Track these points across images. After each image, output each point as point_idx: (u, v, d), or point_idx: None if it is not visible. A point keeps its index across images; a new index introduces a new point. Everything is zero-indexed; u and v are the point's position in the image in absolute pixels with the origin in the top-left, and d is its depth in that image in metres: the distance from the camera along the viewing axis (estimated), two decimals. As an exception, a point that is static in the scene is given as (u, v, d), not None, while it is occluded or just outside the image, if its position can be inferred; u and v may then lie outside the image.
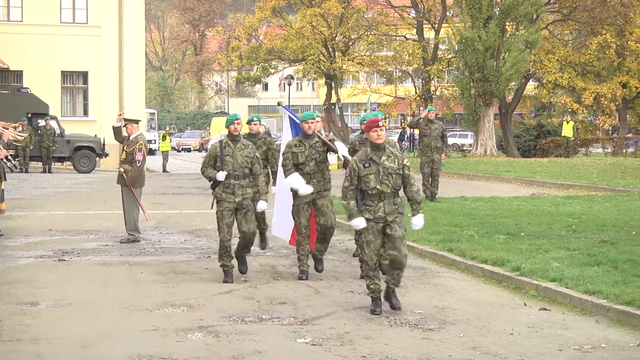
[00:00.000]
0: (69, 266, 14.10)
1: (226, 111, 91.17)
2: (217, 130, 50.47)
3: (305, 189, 12.80)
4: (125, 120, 16.96)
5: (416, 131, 40.54)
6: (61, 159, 40.67)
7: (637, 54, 51.08)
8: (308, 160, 12.91)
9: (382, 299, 10.82)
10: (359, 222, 10.52)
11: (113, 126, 17.11)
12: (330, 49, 54.32)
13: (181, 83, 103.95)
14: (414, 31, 55.90)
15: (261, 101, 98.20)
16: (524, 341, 9.37)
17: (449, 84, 54.84)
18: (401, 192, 10.76)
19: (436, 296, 11.64)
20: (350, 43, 56.16)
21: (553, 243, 14.67)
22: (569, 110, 52.69)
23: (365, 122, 11.57)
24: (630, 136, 53.09)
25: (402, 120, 67.55)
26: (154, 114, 75.80)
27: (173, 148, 62.41)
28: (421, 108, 47.57)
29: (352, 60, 55.59)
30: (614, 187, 27.03)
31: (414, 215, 10.79)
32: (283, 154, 13.13)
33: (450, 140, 54.67)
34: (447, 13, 52.81)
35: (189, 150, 74.63)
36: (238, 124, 12.93)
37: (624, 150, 48.05)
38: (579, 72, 51.76)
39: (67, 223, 19.58)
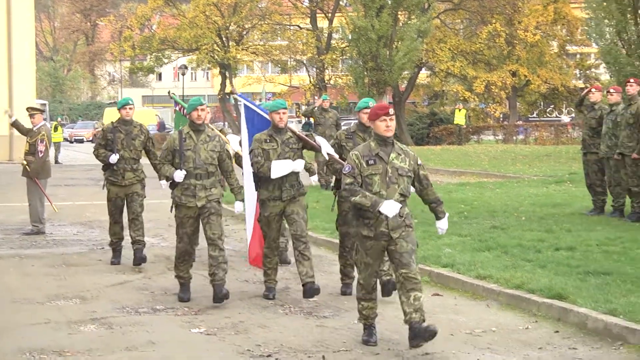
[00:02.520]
0: (-43, 260, 13.81)
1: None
2: (110, 121, 49.90)
3: (298, 164, 10.72)
4: (29, 110, 16.61)
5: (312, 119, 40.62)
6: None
7: (526, 42, 52.03)
8: (280, 159, 10.67)
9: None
10: (391, 206, 8.33)
11: (10, 123, 17.14)
12: (224, 39, 54.14)
13: (73, 73, 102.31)
14: (308, 20, 56.04)
15: (155, 91, 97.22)
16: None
17: (343, 73, 55.09)
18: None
19: (331, 284, 11.68)
20: (244, 32, 56.06)
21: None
22: (461, 98, 53.50)
23: (369, 109, 9.87)
24: (520, 124, 54.07)
25: (297, 109, 67.64)
26: (45, 104, 74.42)
27: (65, 139, 61.40)
28: (315, 97, 47.69)
29: (246, 50, 55.53)
30: (505, 174, 27.51)
31: (439, 218, 8.96)
32: (251, 150, 10.83)
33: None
34: (340, 2, 53.04)
35: (81, 141, 73.46)
36: (202, 110, 10.67)
37: (514, 138, 48.86)
38: (470, 61, 52.55)
39: (-44, 216, 19.16)
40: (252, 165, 10.88)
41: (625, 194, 16.14)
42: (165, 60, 57.76)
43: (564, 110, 68.43)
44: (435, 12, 49.28)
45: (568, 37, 57.41)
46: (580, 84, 56.94)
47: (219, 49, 53.28)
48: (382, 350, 8.55)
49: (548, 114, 68.80)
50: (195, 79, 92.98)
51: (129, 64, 63.78)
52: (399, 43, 44.06)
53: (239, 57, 54.62)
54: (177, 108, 13.97)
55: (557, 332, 9.10)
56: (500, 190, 21.88)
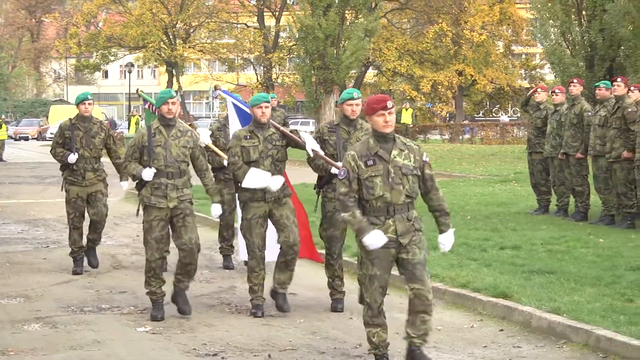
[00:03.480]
0: None
1: (65, 99, 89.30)
2: (56, 118, 49.37)
3: (275, 181, 9.78)
4: None
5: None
6: None
7: (472, 42, 52.38)
8: (262, 157, 9.79)
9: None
10: (376, 238, 7.41)
11: None
12: (171, 36, 53.93)
13: (18, 70, 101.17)
14: (255, 19, 55.95)
15: (101, 89, 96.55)
16: (361, 325, 9.47)
17: (290, 72, 55.11)
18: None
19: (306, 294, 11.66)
20: (191, 30, 55.90)
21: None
22: (408, 97, 53.74)
23: (354, 100, 9.76)
24: (466, 123, 54.42)
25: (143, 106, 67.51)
26: (-12, 102, 73.73)
27: (10, 137, 60.74)
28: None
29: (194, 48, 55.36)
30: (451, 173, 27.67)
31: (442, 232, 7.80)
32: (229, 148, 10.02)
33: (292, 128, 54.92)
34: (288, 1, 53.06)
35: (26, 138, 72.74)
36: (173, 103, 9.85)
37: (461, 137, 49.19)
38: (417, 60, 52.85)
39: None
40: (228, 165, 10.12)
41: (569, 193, 16.32)
42: (112, 58, 57.39)
43: (509, 110, 68.97)
44: (382, 12, 49.46)
45: (513, 38, 57.93)
46: (525, 84, 57.42)
47: (165, 47, 53.06)
48: (328, 349, 8.55)
49: (494, 114, 69.32)
50: (142, 77, 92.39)
51: (74, 61, 63.27)
52: (346, 42, 44.14)
53: (186, 55, 54.44)
54: (147, 106, 13.22)
55: (501, 330, 9.17)
56: (446, 190, 21.99)
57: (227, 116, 12.16)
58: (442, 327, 9.39)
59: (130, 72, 63.29)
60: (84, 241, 12.59)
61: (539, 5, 33.61)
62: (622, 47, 30.02)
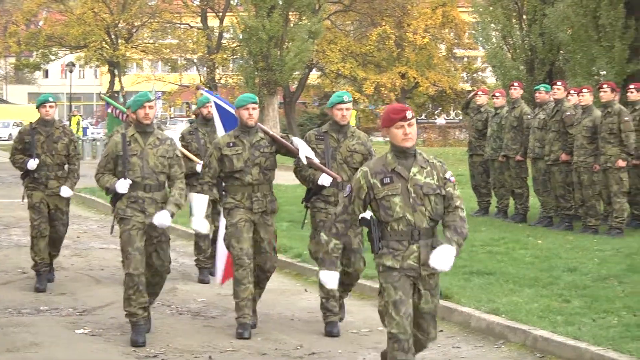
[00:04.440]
0: None
1: (4, 98, 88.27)
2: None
3: (199, 225, 9.31)
4: None
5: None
6: None
7: (415, 45, 52.66)
8: (248, 165, 8.94)
9: None
10: (328, 278, 6.72)
11: None
12: (113, 36, 53.55)
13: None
14: (199, 19, 55.76)
15: (42, 88, 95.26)
16: (303, 326, 9.52)
17: (233, 73, 54.97)
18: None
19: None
20: (134, 30, 55.56)
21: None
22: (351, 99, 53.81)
23: (344, 104, 9.04)
24: (409, 125, 54.67)
25: (187, 109, 67.26)
26: None
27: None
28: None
29: (136, 48, 55.02)
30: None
31: (440, 244, 6.53)
32: (206, 156, 9.29)
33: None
34: (231, 2, 52.96)
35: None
36: (151, 107, 8.85)
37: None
38: (360, 62, 53.02)
39: None
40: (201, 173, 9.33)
41: (509, 195, 16.49)
42: (53, 57, 56.85)
43: (451, 112, 69.45)
44: (326, 13, 49.53)
45: (456, 41, 58.30)
46: (467, 86, 57.81)
47: (107, 47, 52.69)
48: (270, 350, 8.56)
49: (436, 116, 69.75)
50: (84, 77, 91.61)
51: (14, 60, 62.57)
52: (290, 43, 44.15)
53: (128, 55, 54.10)
54: (110, 110, 12.68)
55: (441, 331, 9.21)
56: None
57: (200, 118, 11.94)
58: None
59: (71, 71, 62.80)
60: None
61: (481, 9, 33.94)
62: (562, 52, 30.40)
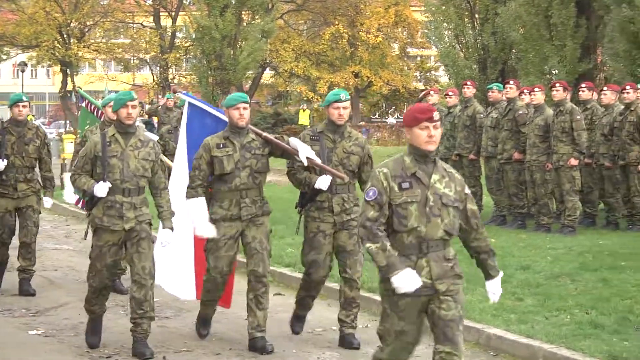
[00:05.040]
0: None
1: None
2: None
3: (204, 231, 8.40)
4: None
5: (155, 119, 40.30)
6: None
7: (368, 44, 52.79)
8: (238, 168, 8.39)
9: None
10: (409, 280, 5.83)
11: None
12: (65, 36, 53.09)
13: None
14: (151, 19, 55.51)
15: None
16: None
17: (187, 72, 54.77)
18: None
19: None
20: (86, 29, 55.10)
21: (289, 229, 14.94)
22: (305, 98, 53.89)
23: (341, 102, 8.49)
24: (363, 124, 54.81)
25: (141, 109, 66.95)
26: None
27: None
28: (159, 96, 47.29)
29: (88, 47, 54.58)
30: (347, 174, 27.83)
31: (490, 277, 6.35)
32: (194, 159, 8.54)
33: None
34: (184, 1, 52.74)
35: None
36: (134, 107, 8.42)
37: (357, 138, 49.47)
38: (314, 62, 53.02)
39: None
40: (189, 178, 8.59)
41: (462, 194, 16.56)
42: (4, 57, 56.23)
43: (404, 111, 69.76)
44: (278, 13, 49.50)
45: (409, 40, 58.48)
46: (420, 85, 58.04)
47: (59, 46, 52.21)
48: (223, 350, 8.56)
49: (390, 115, 70.01)
50: (36, 77, 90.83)
51: (-35, 60, 61.92)
52: (243, 43, 44.10)
53: (80, 54, 53.62)
54: (84, 104, 12.17)
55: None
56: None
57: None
58: (337, 327, 9.45)
59: (23, 71, 62.16)
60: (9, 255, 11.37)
61: (433, 8, 34.12)
62: (514, 50, 30.63)
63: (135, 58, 59.49)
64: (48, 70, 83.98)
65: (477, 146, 15.80)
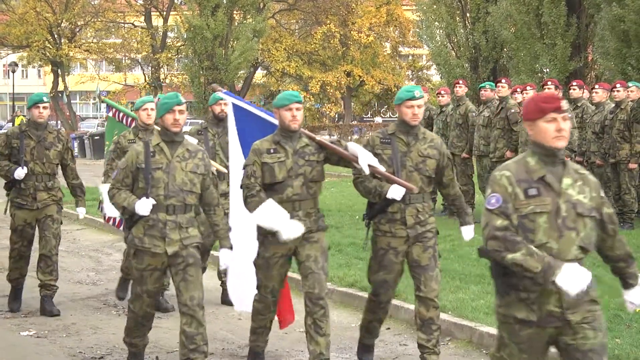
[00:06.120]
0: None
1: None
2: (18, 123, 48.14)
3: (292, 231, 7.28)
4: None
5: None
6: None
7: (359, 43, 52.84)
8: (291, 176, 7.40)
9: None
10: (574, 276, 4.89)
11: None
12: (56, 36, 53.07)
13: None
14: (142, 18, 55.49)
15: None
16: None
17: (178, 72, 54.78)
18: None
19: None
20: (77, 29, 55.08)
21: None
22: (297, 98, 53.89)
23: (415, 99, 7.49)
24: (355, 123, 54.85)
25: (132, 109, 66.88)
26: None
27: None
28: (152, 96, 47.24)
29: (79, 48, 54.57)
30: (340, 173, 27.80)
31: (629, 286, 5.54)
32: (246, 165, 7.52)
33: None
34: (175, 1, 52.73)
35: None
36: (181, 112, 7.42)
37: (349, 137, 49.50)
38: (306, 61, 53.09)
39: None
40: (241, 187, 7.56)
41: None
42: (-5, 57, 56.24)
43: (389, 111, 69.75)
44: (270, 12, 49.56)
45: (400, 39, 58.53)
46: (412, 84, 58.11)
47: (50, 46, 52.21)
48: (217, 350, 8.55)
49: (382, 114, 70.02)
50: (27, 77, 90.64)
51: (-44, 61, 61.85)
52: (235, 42, 44.13)
53: (71, 54, 53.63)
54: (111, 113, 11.41)
55: (388, 328, 9.27)
56: (335, 190, 22.14)
57: (212, 117, 10.49)
58: (331, 326, 9.45)
59: (14, 71, 62.09)
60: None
61: (425, 7, 34.15)
62: (505, 49, 30.68)
63: (126, 58, 59.46)
64: (39, 71, 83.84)
65: (470, 145, 15.82)
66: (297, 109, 7.39)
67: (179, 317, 7.28)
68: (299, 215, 7.35)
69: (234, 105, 8.37)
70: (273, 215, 7.22)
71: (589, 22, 26.75)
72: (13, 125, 43.58)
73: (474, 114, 15.91)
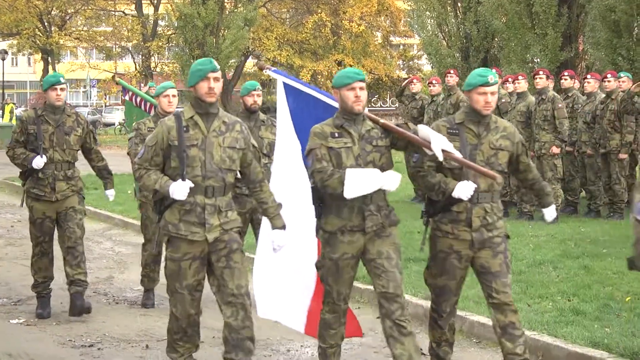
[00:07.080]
0: None
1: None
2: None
3: (394, 180, 6.60)
4: None
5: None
6: None
7: (351, 33, 52.81)
8: (359, 163, 6.52)
9: None
10: None
11: None
12: (46, 23, 52.95)
13: None
14: (133, 6, 55.37)
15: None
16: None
17: (169, 61, 54.68)
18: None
19: (155, 272, 11.59)
20: (67, 17, 54.97)
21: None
22: (288, 87, 53.87)
23: (489, 86, 6.75)
24: (346, 112, 54.89)
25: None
26: None
27: None
28: (142, 84, 47.20)
29: (70, 35, 54.46)
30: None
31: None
32: (311, 149, 6.57)
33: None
34: (166, -11, 52.65)
35: None
36: (216, 79, 6.59)
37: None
38: (297, 50, 53.02)
39: None
40: (311, 175, 6.61)
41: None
42: (-16, 45, 56.11)
43: (388, 100, 69.77)
44: (261, 1, 49.49)
45: (392, 28, 58.48)
46: (403, 74, 58.08)
47: (40, 34, 52.09)
48: (207, 339, 8.53)
49: (373, 104, 70.02)
50: (17, 65, 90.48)
51: (-55, 48, 61.61)
52: (226, 31, 44.03)
53: (62, 42, 53.50)
54: (127, 97, 11.08)
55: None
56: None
57: (243, 110, 9.78)
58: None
59: (3, 59, 61.91)
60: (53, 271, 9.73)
61: (416, -3, 34.07)
62: (496, 39, 30.67)
63: (117, 46, 59.36)
64: (29, 58, 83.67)
65: (460, 134, 15.81)
66: (361, 89, 6.52)
67: (168, 306, 6.88)
68: (370, 210, 6.53)
69: (285, 84, 7.45)
70: (367, 177, 6.43)
71: (580, 12, 26.75)
72: (2, 114, 43.46)
73: (465, 103, 15.80)
